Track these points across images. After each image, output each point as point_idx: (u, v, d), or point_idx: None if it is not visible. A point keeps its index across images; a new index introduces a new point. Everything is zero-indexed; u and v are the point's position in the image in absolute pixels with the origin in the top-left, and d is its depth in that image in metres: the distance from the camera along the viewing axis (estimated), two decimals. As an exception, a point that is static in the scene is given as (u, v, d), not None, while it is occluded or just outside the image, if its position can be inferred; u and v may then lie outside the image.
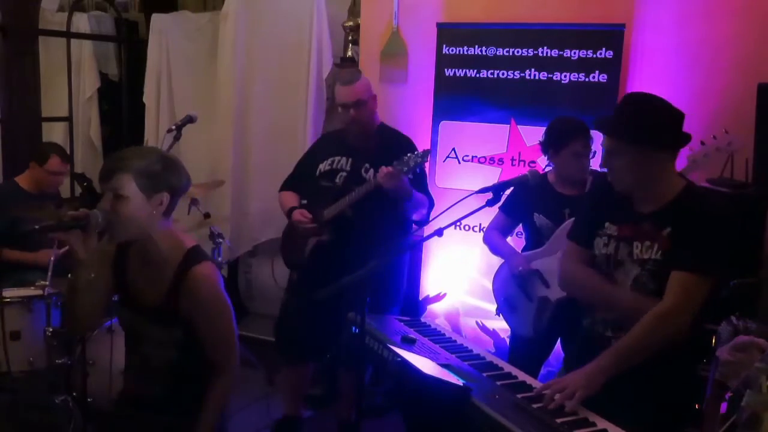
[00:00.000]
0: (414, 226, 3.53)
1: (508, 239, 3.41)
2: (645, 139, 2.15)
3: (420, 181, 3.40)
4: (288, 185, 3.66)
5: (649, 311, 2.12)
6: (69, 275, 2.09)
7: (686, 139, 2.22)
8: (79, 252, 2.04)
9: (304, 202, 3.61)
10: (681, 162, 3.13)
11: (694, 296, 2.13)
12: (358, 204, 3.28)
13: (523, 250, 3.29)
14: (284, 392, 3.78)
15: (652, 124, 2.16)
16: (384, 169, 3.14)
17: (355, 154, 3.43)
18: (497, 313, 3.39)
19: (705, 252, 2.11)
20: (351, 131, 3.43)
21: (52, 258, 3.59)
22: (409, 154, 3.16)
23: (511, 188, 3.13)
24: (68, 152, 5.84)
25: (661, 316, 2.11)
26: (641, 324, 2.12)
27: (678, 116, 2.19)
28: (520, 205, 3.22)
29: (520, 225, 3.38)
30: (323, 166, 3.47)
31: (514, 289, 3.23)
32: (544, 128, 3.18)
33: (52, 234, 2.07)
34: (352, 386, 3.59)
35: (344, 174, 3.42)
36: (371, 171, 3.34)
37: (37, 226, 2.04)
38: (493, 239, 3.33)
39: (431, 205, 3.47)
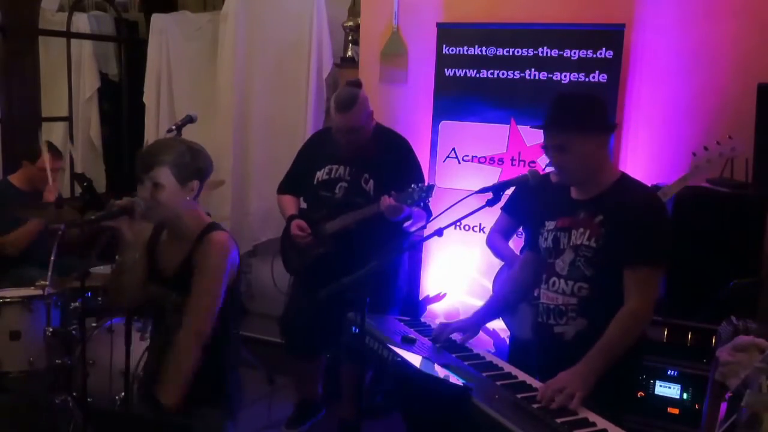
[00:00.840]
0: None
1: (511, 242, 3.41)
2: (596, 127, 2.28)
3: None
4: (286, 187, 3.65)
5: (620, 311, 2.21)
6: (116, 257, 2.33)
7: (615, 125, 2.40)
8: (127, 236, 2.27)
9: (304, 206, 3.61)
10: (678, 166, 3.15)
11: (653, 289, 2.25)
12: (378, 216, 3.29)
13: (522, 250, 3.29)
14: (297, 382, 3.79)
15: (594, 114, 2.30)
16: (386, 201, 3.16)
17: (353, 162, 3.42)
18: None
19: (654, 244, 2.22)
20: (345, 149, 3.41)
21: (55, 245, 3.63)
22: (413, 186, 3.16)
23: (513, 189, 3.13)
24: (68, 152, 5.89)
25: (633, 315, 2.21)
26: (617, 324, 2.20)
27: (606, 103, 2.37)
28: (523, 205, 3.21)
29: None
30: (321, 175, 3.46)
31: None
32: None
33: (104, 222, 2.28)
34: (353, 384, 3.59)
35: (344, 185, 3.41)
36: (371, 182, 3.35)
37: (93, 217, 2.31)
38: (496, 243, 3.32)
39: (429, 218, 3.45)
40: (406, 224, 3.35)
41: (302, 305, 3.50)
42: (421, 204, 3.20)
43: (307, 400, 3.75)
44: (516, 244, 3.45)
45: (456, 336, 2.54)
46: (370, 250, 3.15)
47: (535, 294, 2.46)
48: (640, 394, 3.25)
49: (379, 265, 2.21)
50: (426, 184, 3.26)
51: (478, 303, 3.93)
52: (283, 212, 3.58)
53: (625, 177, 2.36)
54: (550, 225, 2.41)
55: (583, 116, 2.28)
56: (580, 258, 2.28)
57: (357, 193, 3.34)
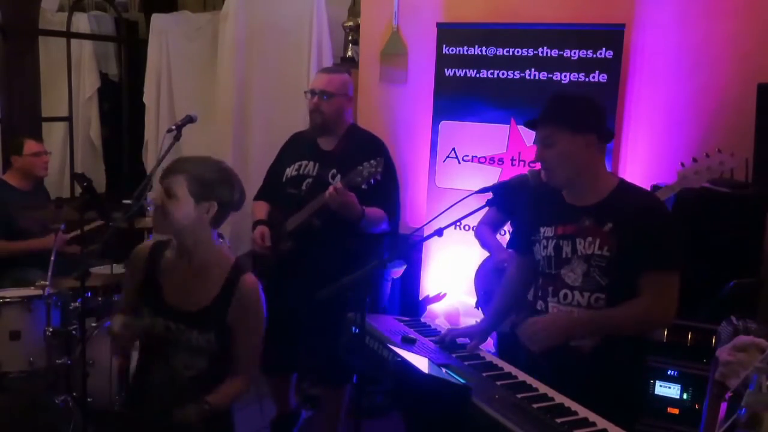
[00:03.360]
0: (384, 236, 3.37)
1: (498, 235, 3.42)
2: (583, 127, 2.24)
3: (378, 193, 3.13)
4: (259, 194, 3.52)
5: (637, 300, 2.19)
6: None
7: (612, 134, 2.34)
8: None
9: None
10: (671, 176, 3.15)
11: (671, 293, 2.20)
12: (323, 214, 3.11)
13: (508, 247, 3.29)
14: (273, 398, 3.75)
15: (585, 113, 2.28)
16: (330, 188, 2.99)
17: (322, 158, 3.26)
18: (476, 307, 3.39)
19: (666, 249, 2.18)
20: (311, 121, 3.27)
21: (55, 243, 3.63)
22: (364, 164, 2.99)
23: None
24: (69, 152, 5.90)
25: (647, 310, 2.19)
26: (627, 309, 2.19)
27: (604, 110, 2.33)
28: (512, 201, 3.19)
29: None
30: (290, 171, 3.31)
31: (494, 283, 3.21)
32: None
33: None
34: (333, 405, 3.47)
35: (310, 180, 3.24)
36: (338, 178, 3.13)
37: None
38: (483, 234, 3.33)
39: (391, 219, 3.24)
40: (363, 223, 3.11)
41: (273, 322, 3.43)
42: (372, 182, 2.98)
43: (283, 415, 3.67)
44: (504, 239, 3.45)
45: (462, 341, 2.52)
46: (337, 251, 3.12)
47: (539, 308, 2.38)
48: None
49: (379, 265, 2.21)
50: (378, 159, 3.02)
51: (478, 303, 3.94)
52: (252, 218, 3.46)
53: (624, 182, 2.32)
54: (547, 231, 2.34)
55: (571, 113, 2.26)
56: (594, 268, 2.22)
57: (322, 189, 3.09)
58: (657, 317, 2.23)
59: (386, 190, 3.20)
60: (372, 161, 2.99)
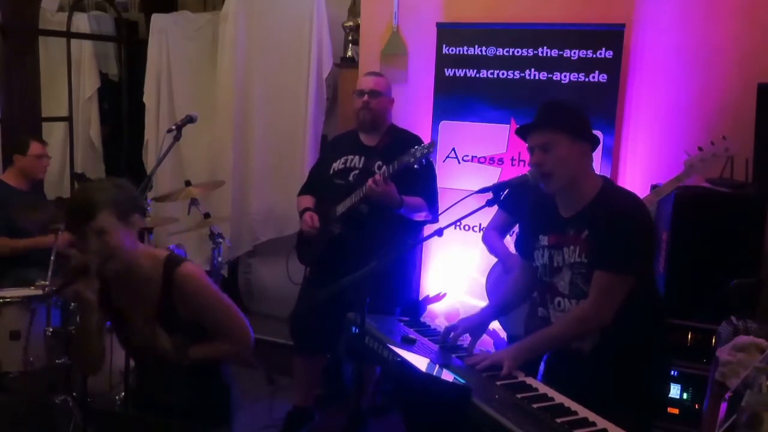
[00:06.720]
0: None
1: (507, 238, 3.41)
2: (579, 133, 2.31)
3: (418, 184, 3.44)
4: (304, 189, 3.77)
5: (575, 309, 2.29)
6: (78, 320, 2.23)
7: (598, 141, 2.42)
8: (89, 297, 2.16)
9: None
10: (678, 167, 3.16)
11: (611, 294, 2.23)
12: (370, 200, 3.35)
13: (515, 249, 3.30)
14: (297, 384, 3.79)
15: (582, 122, 2.36)
16: (369, 180, 3.25)
17: (368, 152, 3.54)
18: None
19: (617, 251, 2.21)
20: (360, 118, 3.55)
21: (55, 243, 3.63)
22: (415, 147, 3.25)
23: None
24: (69, 152, 5.91)
25: (581, 316, 2.27)
26: (564, 319, 2.32)
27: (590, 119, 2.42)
28: (520, 203, 3.20)
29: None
30: (337, 165, 3.58)
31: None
32: None
33: (67, 289, 2.21)
34: (366, 379, 3.65)
35: (356, 172, 3.51)
36: (384, 168, 3.40)
37: (54, 289, 2.29)
38: (491, 240, 3.33)
39: (431, 207, 3.50)
40: (402, 210, 3.38)
41: (313, 302, 3.53)
42: (424, 162, 3.26)
43: (300, 408, 3.74)
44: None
45: (463, 340, 2.53)
46: (384, 237, 3.32)
47: (540, 315, 2.46)
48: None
49: (380, 265, 2.21)
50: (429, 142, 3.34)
51: (478, 303, 3.94)
52: (299, 208, 3.68)
53: (606, 186, 2.36)
54: (543, 240, 2.43)
55: (571, 120, 2.33)
56: (577, 275, 2.30)
57: (369, 178, 3.36)
58: (590, 320, 2.25)
59: (425, 181, 3.50)
60: (423, 144, 3.28)
